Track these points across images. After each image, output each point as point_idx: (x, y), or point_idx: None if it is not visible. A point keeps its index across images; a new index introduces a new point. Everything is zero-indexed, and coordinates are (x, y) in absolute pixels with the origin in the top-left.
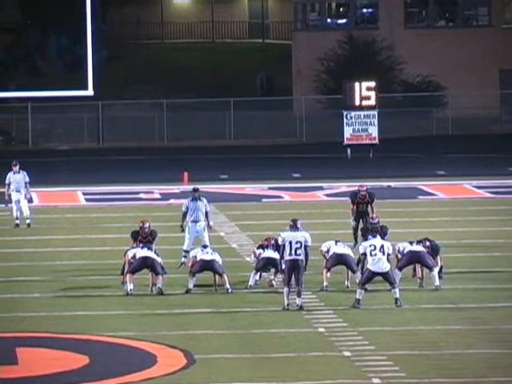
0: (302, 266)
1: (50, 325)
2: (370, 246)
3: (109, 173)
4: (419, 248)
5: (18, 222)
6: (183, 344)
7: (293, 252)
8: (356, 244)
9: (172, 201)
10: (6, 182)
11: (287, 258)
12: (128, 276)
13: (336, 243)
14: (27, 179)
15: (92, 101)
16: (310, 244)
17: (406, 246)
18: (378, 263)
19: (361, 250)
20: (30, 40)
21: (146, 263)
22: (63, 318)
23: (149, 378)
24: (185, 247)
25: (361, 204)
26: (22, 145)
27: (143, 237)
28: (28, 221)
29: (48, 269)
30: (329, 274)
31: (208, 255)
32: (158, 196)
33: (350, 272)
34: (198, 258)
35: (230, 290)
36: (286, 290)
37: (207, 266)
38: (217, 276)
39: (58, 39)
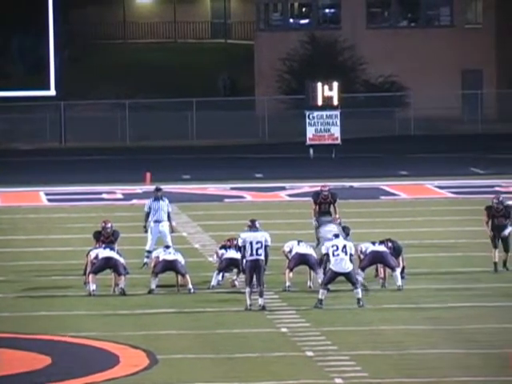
0: (262, 266)
1: (12, 325)
2: (333, 246)
3: (71, 173)
4: (381, 248)
5: None
6: (146, 344)
7: (254, 252)
8: (318, 244)
9: (134, 201)
10: None
11: (248, 258)
12: (90, 276)
13: (298, 243)
14: None
15: (54, 101)
16: (270, 244)
17: (369, 247)
18: (341, 263)
19: (323, 251)
20: None
21: (108, 264)
22: (26, 319)
23: (112, 378)
24: (147, 247)
25: (323, 204)
26: None
27: (105, 237)
28: None
29: (10, 269)
30: (291, 274)
31: (170, 255)
32: (120, 196)
33: (312, 272)
34: (161, 259)
35: (192, 291)
36: (247, 290)
37: (170, 266)
38: (179, 276)
39: (20, 39)
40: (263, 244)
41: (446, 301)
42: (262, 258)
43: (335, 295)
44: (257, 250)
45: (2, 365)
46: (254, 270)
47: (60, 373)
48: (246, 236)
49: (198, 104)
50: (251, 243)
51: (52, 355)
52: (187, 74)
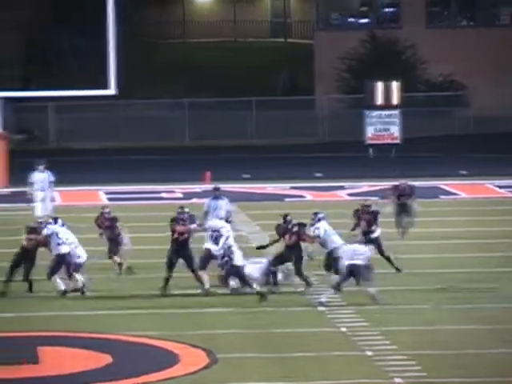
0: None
1: (74, 324)
2: None
3: (131, 172)
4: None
5: (41, 221)
6: (205, 343)
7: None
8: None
9: (194, 200)
10: (30, 180)
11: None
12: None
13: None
14: (52, 178)
15: (114, 100)
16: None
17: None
18: None
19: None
20: (53, 39)
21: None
22: (86, 318)
23: (171, 377)
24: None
25: (402, 196)
26: (43, 144)
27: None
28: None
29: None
30: None
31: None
32: (179, 195)
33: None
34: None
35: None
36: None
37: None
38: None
39: (81, 38)
40: None
41: (503, 301)
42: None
43: (392, 295)
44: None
45: (63, 363)
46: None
47: (120, 371)
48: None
49: (257, 103)
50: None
51: (112, 354)
52: (247, 73)
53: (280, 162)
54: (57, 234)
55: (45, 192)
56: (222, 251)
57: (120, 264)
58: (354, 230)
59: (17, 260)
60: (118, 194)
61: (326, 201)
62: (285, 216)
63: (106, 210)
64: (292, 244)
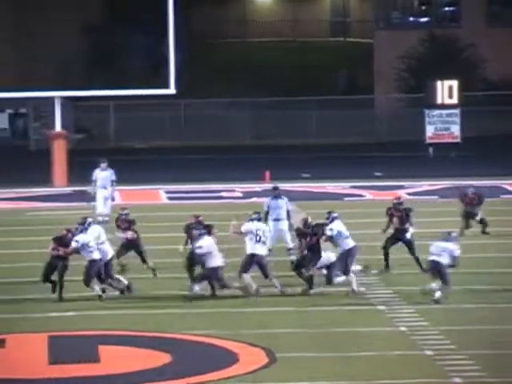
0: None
1: (132, 323)
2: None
3: (190, 171)
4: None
5: (101, 219)
6: (264, 342)
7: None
8: None
9: (254, 199)
10: (93, 178)
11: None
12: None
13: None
14: (113, 177)
15: (174, 99)
16: None
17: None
18: None
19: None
20: (113, 39)
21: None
22: (144, 316)
23: (231, 376)
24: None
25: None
26: (103, 143)
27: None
28: (107, 218)
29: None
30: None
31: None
32: (239, 194)
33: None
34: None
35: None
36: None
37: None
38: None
39: (141, 38)
40: None
41: None
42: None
43: (451, 294)
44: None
45: (123, 362)
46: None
47: (179, 370)
48: None
49: (316, 103)
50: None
51: (172, 353)
52: (306, 72)
53: (339, 161)
54: (87, 245)
55: (106, 190)
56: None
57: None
58: (386, 229)
59: (45, 273)
60: (177, 193)
61: (386, 200)
62: (306, 220)
63: (125, 212)
64: (313, 244)
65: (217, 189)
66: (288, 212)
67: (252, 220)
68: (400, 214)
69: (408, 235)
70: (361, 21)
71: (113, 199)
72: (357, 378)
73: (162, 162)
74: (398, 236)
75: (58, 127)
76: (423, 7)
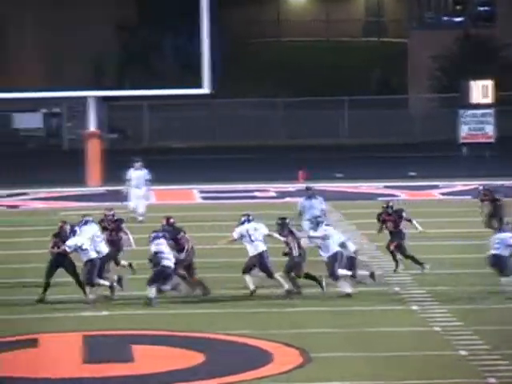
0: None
1: (164, 323)
2: None
3: (224, 171)
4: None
5: (136, 216)
6: (298, 342)
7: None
8: None
9: (287, 199)
10: (127, 178)
11: None
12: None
13: None
14: (148, 177)
15: (208, 99)
16: None
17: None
18: None
19: None
20: (147, 38)
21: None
22: (177, 316)
23: (265, 375)
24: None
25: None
26: (137, 142)
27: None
28: (141, 218)
29: None
30: None
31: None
32: (273, 194)
33: None
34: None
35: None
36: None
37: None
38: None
39: (175, 38)
40: None
41: None
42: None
43: (483, 295)
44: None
45: (156, 362)
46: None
47: (213, 370)
48: None
49: (350, 102)
50: None
51: (205, 352)
52: (339, 72)
53: (373, 161)
54: (80, 248)
55: (140, 190)
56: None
57: (130, 265)
58: (379, 232)
59: (49, 272)
60: (211, 193)
61: (420, 200)
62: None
63: (111, 213)
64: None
65: (250, 189)
66: (323, 212)
67: (242, 223)
68: (392, 217)
69: (404, 235)
70: (394, 21)
71: (147, 199)
72: (391, 379)
73: (196, 161)
74: (394, 239)
75: (91, 127)
76: (458, 7)
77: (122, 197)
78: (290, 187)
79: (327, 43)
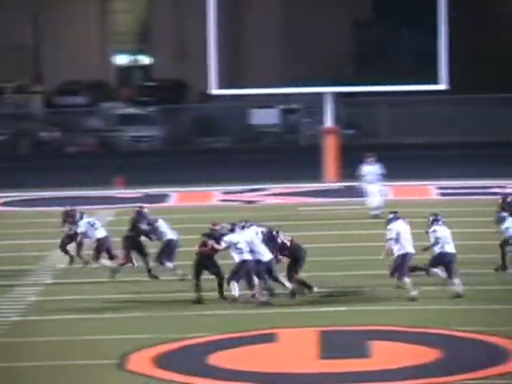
0: None
1: (398, 318)
2: None
3: (465, 167)
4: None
5: (375, 212)
6: None
7: None
8: None
9: None
10: (361, 173)
11: None
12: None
13: None
14: (381, 171)
15: (444, 95)
16: None
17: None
18: None
19: None
20: (382, 34)
21: None
22: (412, 312)
23: (504, 373)
24: None
25: None
26: (372, 138)
27: None
28: (376, 212)
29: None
30: None
31: None
32: (510, 190)
33: None
34: None
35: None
36: None
37: None
38: None
39: (410, 33)
40: None
41: None
42: None
43: None
44: None
45: (393, 358)
46: None
47: (450, 366)
48: None
49: None
50: None
51: (442, 349)
52: None
53: None
54: (235, 245)
55: (374, 185)
56: None
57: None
58: None
59: (197, 272)
60: (449, 189)
61: None
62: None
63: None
64: None
65: (488, 185)
66: None
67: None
68: None
69: None
70: None
71: (385, 194)
72: None
73: (432, 157)
74: None
75: (329, 123)
76: None
77: (356, 192)
78: None
79: None
